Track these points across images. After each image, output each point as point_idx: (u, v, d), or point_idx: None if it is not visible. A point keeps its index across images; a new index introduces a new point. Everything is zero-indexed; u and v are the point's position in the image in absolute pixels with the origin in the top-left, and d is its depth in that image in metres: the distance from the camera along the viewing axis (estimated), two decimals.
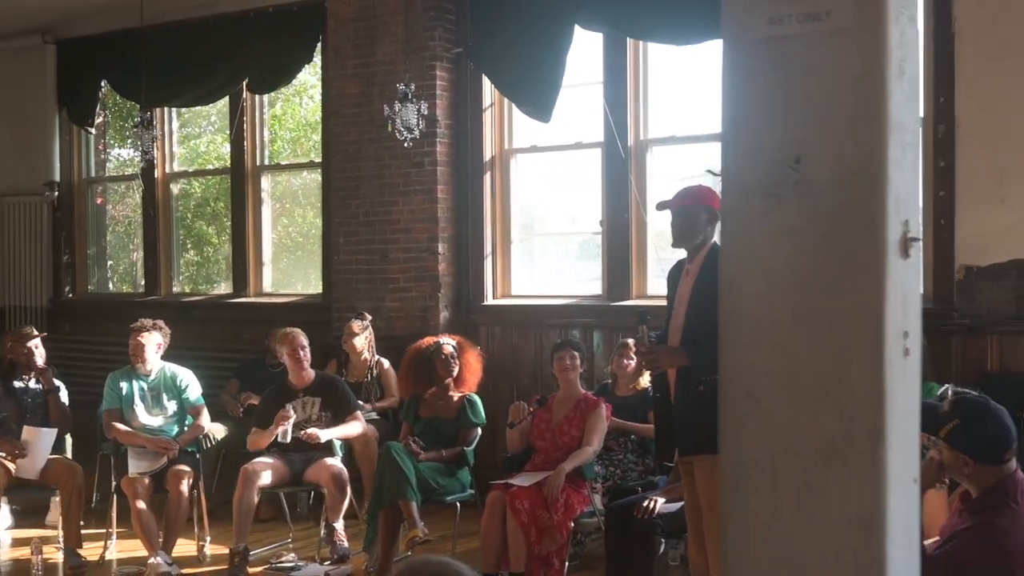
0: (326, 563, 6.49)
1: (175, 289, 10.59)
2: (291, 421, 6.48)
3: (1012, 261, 6.79)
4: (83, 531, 6.66)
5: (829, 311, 2.28)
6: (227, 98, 9.92)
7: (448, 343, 6.62)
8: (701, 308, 4.81)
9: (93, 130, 10.69)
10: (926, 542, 3.44)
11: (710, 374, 4.74)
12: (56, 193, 10.89)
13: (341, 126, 8.90)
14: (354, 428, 6.77)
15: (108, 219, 11.51)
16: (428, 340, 6.74)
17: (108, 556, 6.76)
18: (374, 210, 8.78)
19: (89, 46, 10.57)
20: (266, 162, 9.99)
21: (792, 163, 2.32)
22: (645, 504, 5.42)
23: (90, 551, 6.70)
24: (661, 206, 5.12)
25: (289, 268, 10.49)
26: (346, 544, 6.48)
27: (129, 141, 9.01)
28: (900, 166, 2.27)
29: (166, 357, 7.05)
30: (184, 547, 6.68)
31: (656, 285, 8.16)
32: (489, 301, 8.68)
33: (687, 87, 8.13)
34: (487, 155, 8.68)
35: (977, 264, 6.90)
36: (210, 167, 10.84)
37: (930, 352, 6.50)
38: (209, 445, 7.84)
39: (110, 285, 11.49)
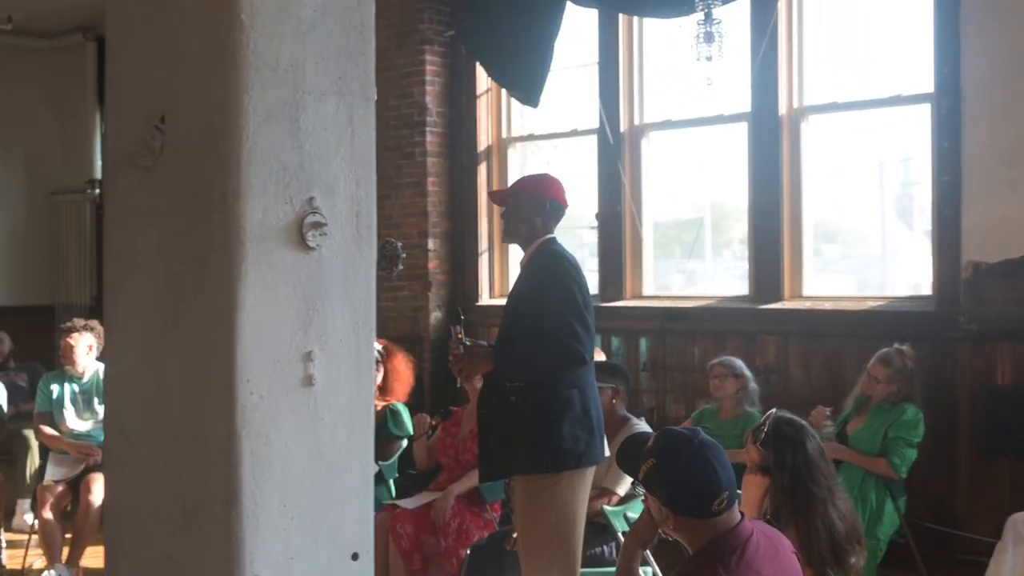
0: None
1: None
2: None
3: None
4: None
5: (194, 323, 1.67)
6: None
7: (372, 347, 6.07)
8: (518, 307, 4.20)
9: None
10: None
11: (519, 381, 4.15)
12: (98, 191, 10.85)
13: None
14: None
15: None
16: None
17: (34, 565, 6.50)
18: None
19: None
20: None
21: (158, 122, 1.71)
22: (514, 535, 4.75)
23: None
24: (492, 198, 4.54)
25: None
26: None
27: None
28: (283, 122, 1.64)
29: None
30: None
31: (651, 286, 7.45)
32: (485, 301, 8.09)
33: (685, 66, 7.33)
34: (482, 145, 8.10)
35: (986, 260, 5.92)
36: None
37: (918, 367, 5.66)
38: None
39: None
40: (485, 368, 4.20)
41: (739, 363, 6.09)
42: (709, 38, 5.47)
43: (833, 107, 6.72)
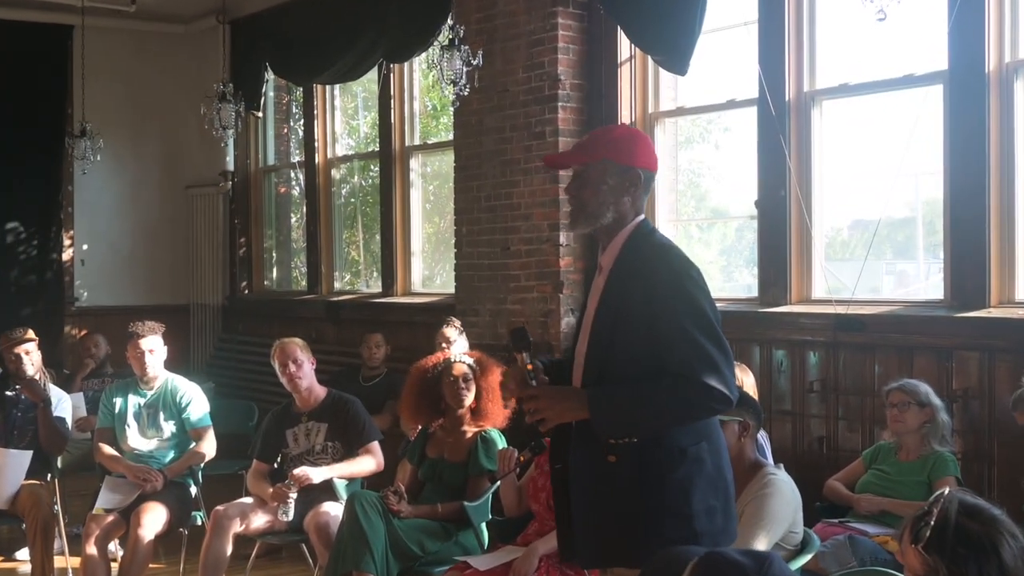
0: None
1: (336, 286, 9.57)
2: (293, 499, 5.13)
3: None
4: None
5: None
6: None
7: (462, 361, 5.01)
8: (610, 328, 2.99)
9: (259, 113, 9.87)
10: None
11: (624, 435, 2.97)
12: (231, 183, 10.20)
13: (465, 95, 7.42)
14: (364, 465, 5.33)
15: (296, 209, 10.66)
16: (436, 357, 5.17)
17: None
18: (495, 193, 7.28)
19: (254, 24, 9.81)
20: (415, 141, 8.73)
21: None
22: None
23: None
24: (550, 162, 3.39)
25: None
26: None
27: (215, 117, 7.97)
28: None
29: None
30: None
31: (820, 288, 6.11)
32: None
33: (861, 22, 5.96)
34: (624, 121, 6.90)
35: None
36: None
37: None
38: None
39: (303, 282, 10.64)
40: (575, 417, 2.97)
41: (924, 388, 4.74)
42: None
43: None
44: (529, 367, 2.98)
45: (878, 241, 5.87)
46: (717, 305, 3.06)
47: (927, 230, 6.39)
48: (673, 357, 2.87)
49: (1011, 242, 5.31)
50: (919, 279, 6.53)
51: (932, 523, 2.03)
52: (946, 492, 2.09)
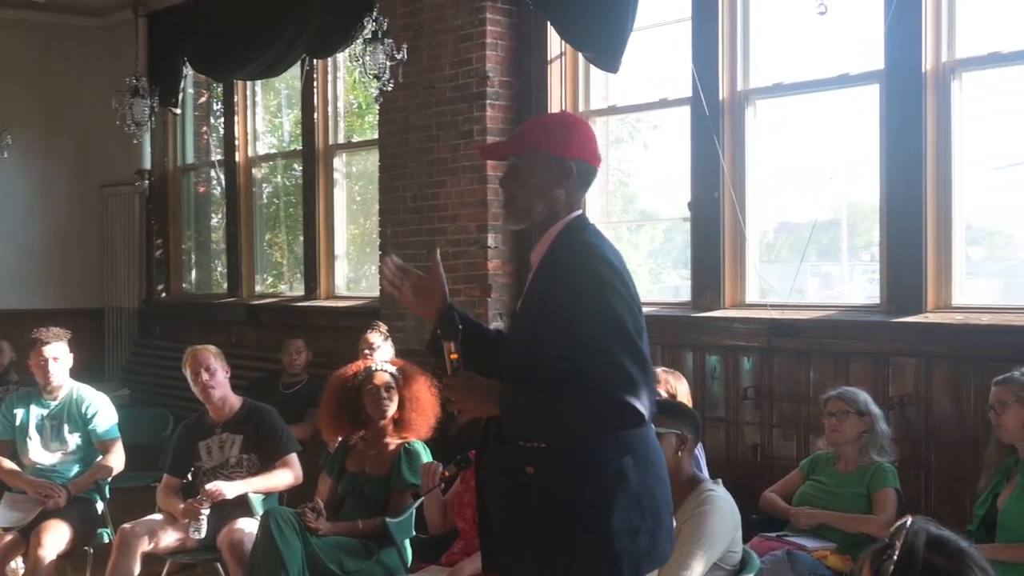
0: None
1: (258, 289, 9.25)
2: (205, 515, 4.85)
3: None
4: None
5: None
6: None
7: (384, 370, 4.77)
8: (534, 324, 2.78)
9: (178, 110, 9.52)
10: None
11: (532, 437, 2.77)
12: (147, 182, 9.83)
13: (389, 91, 7.18)
14: (281, 478, 5.06)
15: (217, 210, 10.31)
16: (357, 365, 4.91)
17: None
18: (421, 193, 7.04)
19: (172, 17, 9.45)
20: (339, 140, 8.46)
21: None
22: None
23: None
24: (485, 152, 3.17)
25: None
26: None
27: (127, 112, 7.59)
28: None
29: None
30: None
31: (755, 291, 5.96)
32: None
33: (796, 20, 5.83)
34: None
35: None
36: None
37: None
38: None
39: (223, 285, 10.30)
40: (488, 412, 2.78)
41: (863, 396, 4.60)
42: None
43: (995, 59, 5.14)
44: (454, 356, 2.77)
45: (805, 244, 5.73)
46: (651, 310, 2.88)
47: (851, 232, 6.29)
48: (589, 370, 2.66)
49: (947, 246, 5.20)
50: (843, 281, 6.42)
51: (895, 557, 1.84)
52: (908, 523, 1.90)
